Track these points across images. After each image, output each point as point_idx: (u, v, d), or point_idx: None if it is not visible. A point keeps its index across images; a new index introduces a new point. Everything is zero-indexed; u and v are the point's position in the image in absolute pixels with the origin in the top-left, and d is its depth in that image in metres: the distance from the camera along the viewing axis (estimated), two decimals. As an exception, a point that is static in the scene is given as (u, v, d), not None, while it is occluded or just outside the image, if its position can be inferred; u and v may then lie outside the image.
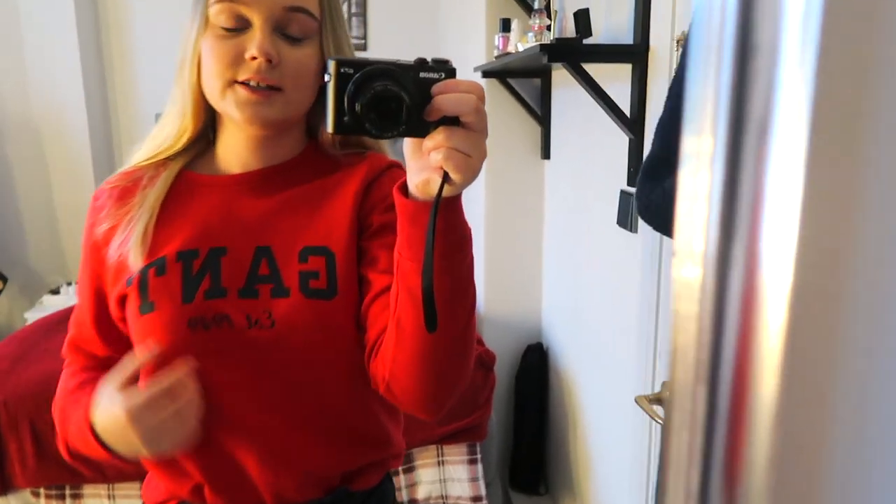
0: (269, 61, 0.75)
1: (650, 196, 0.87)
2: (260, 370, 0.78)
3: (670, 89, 0.87)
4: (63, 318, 2.16)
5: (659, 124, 0.88)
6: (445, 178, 0.58)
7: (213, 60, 0.76)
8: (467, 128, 0.58)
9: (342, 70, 0.57)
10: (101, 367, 0.84)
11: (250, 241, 0.81)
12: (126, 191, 0.85)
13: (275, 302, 0.77)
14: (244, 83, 0.76)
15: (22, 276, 3.11)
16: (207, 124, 0.84)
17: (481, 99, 0.59)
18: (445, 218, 0.62)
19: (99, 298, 0.86)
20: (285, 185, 0.84)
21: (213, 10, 0.76)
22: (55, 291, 3.01)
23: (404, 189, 0.65)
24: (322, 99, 0.82)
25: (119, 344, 0.84)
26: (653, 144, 0.90)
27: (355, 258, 0.80)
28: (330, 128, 0.59)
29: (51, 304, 2.89)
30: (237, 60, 0.76)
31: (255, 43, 0.75)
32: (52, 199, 3.06)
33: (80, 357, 0.90)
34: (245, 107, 0.76)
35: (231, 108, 0.77)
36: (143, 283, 0.79)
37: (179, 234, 0.80)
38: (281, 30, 0.77)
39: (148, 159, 0.85)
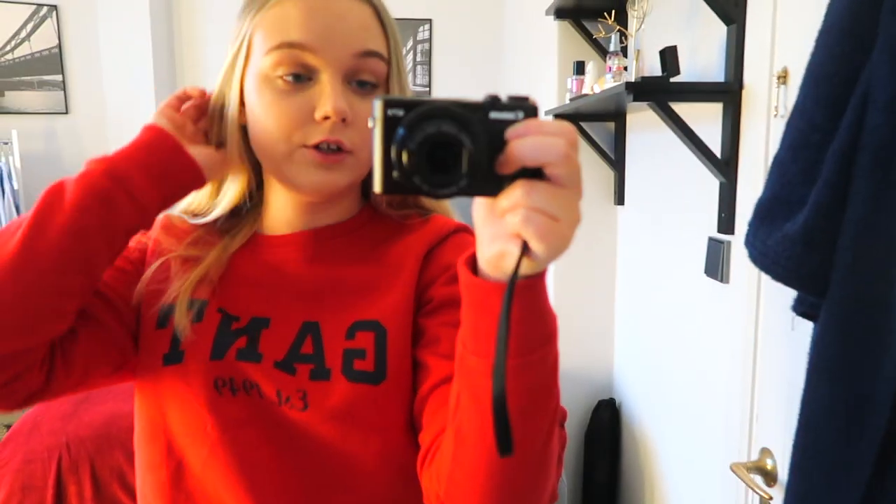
0: (342, 120, 0.65)
1: (766, 242, 0.78)
2: (288, 453, 0.66)
3: (788, 123, 0.78)
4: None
5: (775, 163, 0.79)
6: (524, 248, 0.44)
7: (275, 120, 0.66)
8: (554, 182, 0.43)
9: (390, 112, 0.44)
10: None
11: (297, 314, 0.70)
12: (184, 231, 0.77)
13: (313, 384, 0.66)
14: (314, 146, 0.66)
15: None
16: (254, 187, 0.75)
17: (573, 145, 0.44)
18: (524, 304, 0.47)
19: (114, 286, 0.73)
20: (338, 252, 0.74)
21: (272, 58, 0.66)
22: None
23: (473, 264, 0.50)
24: None
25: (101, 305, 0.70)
26: (767, 185, 0.81)
27: (410, 338, 0.68)
28: (377, 187, 0.45)
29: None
30: (306, 120, 0.66)
31: (326, 99, 0.65)
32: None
33: None
34: (314, 172, 0.67)
35: (297, 174, 0.67)
36: (176, 329, 0.69)
37: (220, 295, 0.71)
38: (350, 78, 0.67)
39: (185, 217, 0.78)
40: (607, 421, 2.13)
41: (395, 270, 0.71)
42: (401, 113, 0.44)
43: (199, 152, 0.69)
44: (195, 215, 0.78)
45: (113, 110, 3.02)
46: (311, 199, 0.72)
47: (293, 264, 0.72)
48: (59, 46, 3.02)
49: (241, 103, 0.70)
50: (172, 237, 0.77)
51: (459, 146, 0.43)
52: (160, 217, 0.77)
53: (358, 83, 0.68)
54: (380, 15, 0.70)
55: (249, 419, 0.66)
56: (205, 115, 0.73)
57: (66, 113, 3.05)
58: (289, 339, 0.69)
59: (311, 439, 0.66)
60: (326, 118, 0.65)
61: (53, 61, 3.02)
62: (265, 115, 0.67)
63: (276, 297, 0.71)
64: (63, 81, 3.04)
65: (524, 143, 0.43)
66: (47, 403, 1.90)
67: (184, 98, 0.72)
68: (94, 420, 1.81)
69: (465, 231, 0.76)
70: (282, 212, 0.75)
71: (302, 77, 0.66)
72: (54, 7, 2.99)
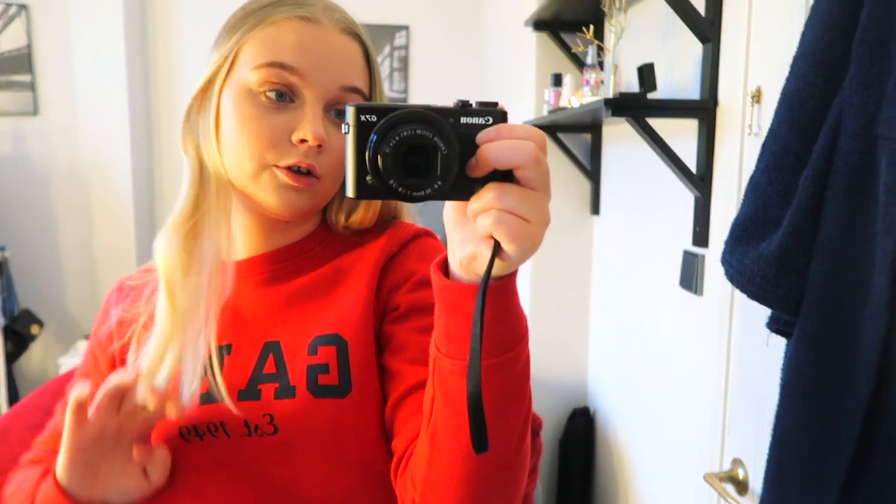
0: (318, 146, 0.66)
1: (743, 261, 0.80)
2: (264, 484, 0.66)
3: (764, 146, 0.80)
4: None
5: (751, 183, 0.82)
6: (496, 249, 0.45)
7: (249, 136, 0.66)
8: (524, 184, 0.45)
9: (363, 118, 0.45)
10: None
11: (258, 336, 0.70)
12: (140, 290, 0.77)
13: (278, 403, 0.65)
14: (286, 167, 0.66)
15: (58, 320, 3.11)
16: (228, 203, 0.71)
17: (542, 148, 0.45)
18: (496, 304, 0.48)
19: None
20: (296, 270, 0.74)
21: (259, 74, 0.66)
22: (89, 337, 3.00)
23: (444, 268, 0.51)
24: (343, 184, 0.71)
25: None
26: (743, 205, 0.83)
27: (373, 347, 0.69)
28: (350, 191, 0.46)
29: (84, 350, 2.87)
30: (282, 141, 0.66)
31: (307, 123, 0.65)
32: (93, 245, 3.08)
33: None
34: (282, 192, 0.67)
35: (264, 192, 0.67)
36: None
37: None
38: (330, 108, 0.68)
39: None
40: (582, 429, 2.15)
41: (352, 281, 0.72)
42: (374, 118, 0.45)
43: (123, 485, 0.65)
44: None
45: (84, 112, 2.96)
46: (276, 217, 0.72)
47: (251, 289, 0.72)
48: (29, 46, 2.96)
49: (218, 112, 0.69)
50: (132, 300, 0.78)
51: (434, 150, 0.44)
52: (113, 288, 0.81)
53: (336, 112, 0.69)
54: (368, 54, 0.73)
55: (219, 461, 0.67)
56: (126, 396, 0.64)
57: (36, 114, 2.99)
58: (251, 362, 0.69)
59: (285, 465, 0.66)
60: (303, 141, 0.66)
61: (23, 61, 2.96)
62: (241, 128, 0.66)
63: (236, 323, 0.71)
64: (32, 82, 2.98)
65: (495, 147, 0.44)
66: (13, 414, 1.86)
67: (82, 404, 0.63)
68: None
69: (427, 235, 0.77)
70: (238, 236, 0.75)
71: (285, 97, 0.66)
72: (24, 6, 2.93)
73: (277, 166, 0.66)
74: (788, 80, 0.78)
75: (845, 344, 0.70)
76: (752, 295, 0.78)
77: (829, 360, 0.72)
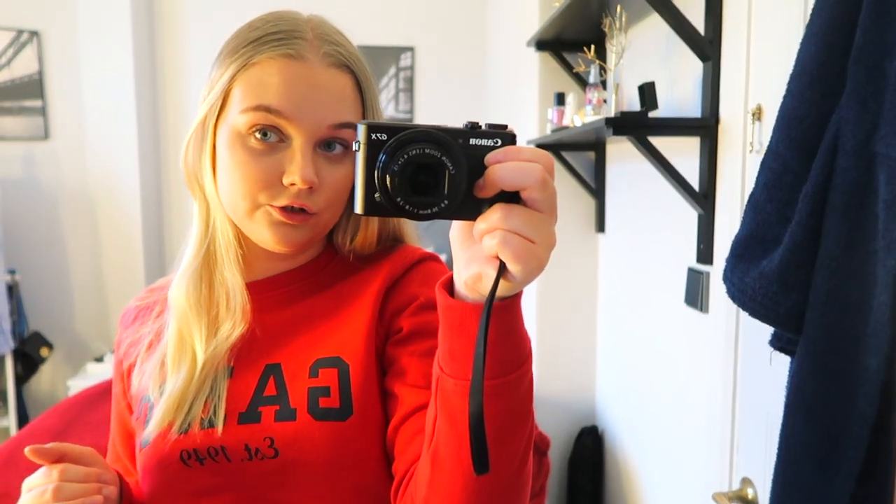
0: (310, 188, 0.66)
1: (744, 279, 0.80)
2: None
3: (763, 163, 0.80)
4: (105, 389, 2.14)
5: (750, 201, 0.82)
6: (502, 269, 0.45)
7: (242, 179, 0.66)
8: (530, 206, 0.45)
9: (373, 136, 0.46)
10: None
11: (259, 358, 0.70)
12: (149, 308, 0.79)
13: (279, 426, 0.66)
14: (279, 207, 0.67)
15: (67, 343, 3.13)
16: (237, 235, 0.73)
17: (549, 170, 0.46)
18: (500, 324, 0.48)
19: (122, 425, 0.80)
20: (300, 294, 0.74)
21: (246, 118, 0.66)
22: (99, 359, 3.01)
23: (450, 287, 0.51)
24: (350, 204, 0.71)
25: None
26: (743, 223, 0.83)
27: (375, 370, 0.69)
28: (358, 208, 0.47)
29: (94, 373, 2.89)
30: (273, 183, 0.66)
31: (296, 167, 0.65)
32: (102, 268, 3.11)
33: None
34: (277, 228, 0.68)
35: (259, 231, 0.68)
36: (149, 412, 0.70)
37: None
38: (321, 145, 0.68)
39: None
40: (590, 448, 2.14)
41: (355, 304, 0.72)
42: (384, 137, 0.46)
43: None
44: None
45: (93, 136, 3.00)
46: (274, 251, 0.72)
47: (254, 313, 0.72)
48: (40, 72, 3.01)
49: (213, 149, 0.70)
50: (138, 324, 0.79)
51: (442, 169, 0.44)
52: (123, 313, 0.83)
53: (326, 145, 0.69)
54: (359, 83, 0.71)
55: (219, 485, 0.67)
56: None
57: (46, 138, 3.03)
58: (252, 385, 0.69)
59: (285, 489, 0.66)
60: (293, 184, 0.66)
61: (34, 87, 3.00)
62: (234, 171, 0.67)
63: (239, 346, 0.71)
64: (43, 107, 3.02)
65: (503, 168, 0.45)
66: (21, 438, 1.87)
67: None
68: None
69: (432, 259, 0.77)
70: (243, 257, 0.75)
71: (273, 137, 0.66)
72: (35, 33, 2.98)
73: (272, 205, 0.67)
74: (785, 98, 0.79)
75: (848, 362, 0.69)
76: (754, 313, 0.78)
77: (831, 378, 0.71)
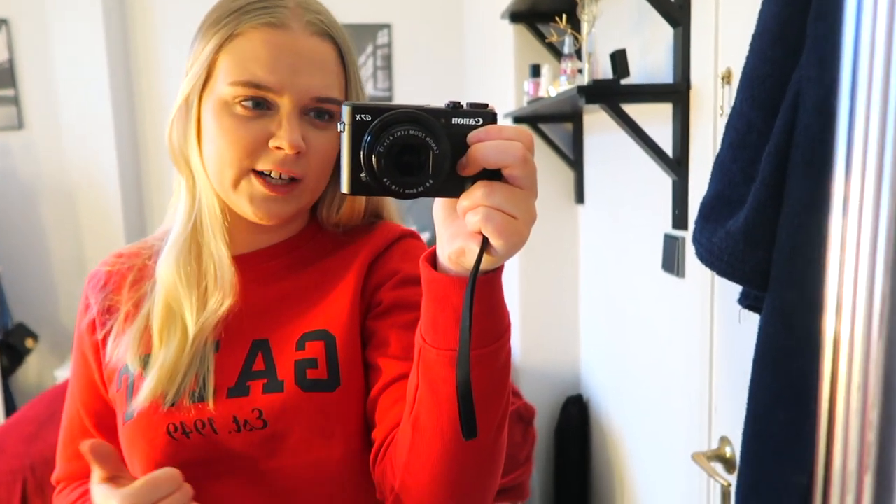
0: (297, 153, 0.67)
1: (711, 240, 0.81)
2: (252, 479, 0.67)
3: (728, 124, 0.81)
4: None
5: (717, 162, 0.82)
6: (485, 244, 0.47)
7: (227, 145, 0.67)
8: (512, 183, 0.47)
9: (358, 117, 0.47)
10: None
11: (246, 333, 0.71)
12: (122, 276, 0.78)
13: (267, 398, 0.67)
14: (262, 174, 0.67)
15: (53, 333, 3.11)
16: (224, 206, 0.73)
17: (529, 148, 0.48)
18: (483, 297, 0.50)
19: (93, 396, 0.78)
20: (285, 268, 0.75)
21: (233, 90, 0.67)
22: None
23: (433, 261, 0.54)
24: (335, 177, 0.73)
25: None
26: (710, 184, 0.84)
27: (359, 342, 0.70)
28: (345, 187, 0.49)
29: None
30: (259, 148, 0.67)
31: (284, 132, 0.66)
32: (84, 255, 3.08)
33: (78, 467, 0.79)
34: (260, 203, 0.68)
35: (243, 202, 0.69)
36: (130, 385, 0.70)
37: None
38: (308, 112, 0.69)
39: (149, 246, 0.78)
40: (576, 417, 2.17)
41: (340, 278, 0.73)
42: (368, 118, 0.47)
43: None
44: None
45: (69, 124, 2.96)
46: (259, 224, 0.73)
47: (240, 287, 0.73)
48: (11, 60, 2.95)
49: (199, 122, 0.70)
50: (109, 291, 0.78)
51: (426, 149, 0.46)
52: (87, 280, 0.81)
53: (315, 113, 0.69)
54: (343, 57, 0.72)
55: (206, 457, 0.68)
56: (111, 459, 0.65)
57: (21, 128, 2.99)
58: (240, 360, 0.70)
59: (274, 458, 0.67)
60: (280, 148, 0.66)
61: (5, 76, 2.95)
62: (220, 138, 0.67)
63: (225, 319, 0.72)
64: (16, 96, 2.97)
65: (485, 147, 0.47)
66: (8, 427, 1.87)
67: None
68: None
69: (411, 236, 0.78)
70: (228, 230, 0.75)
71: (262, 105, 0.67)
72: (4, 20, 2.92)
73: (254, 171, 0.67)
74: (748, 58, 0.79)
75: (812, 315, 0.71)
76: (722, 272, 0.79)
77: (797, 332, 0.72)
